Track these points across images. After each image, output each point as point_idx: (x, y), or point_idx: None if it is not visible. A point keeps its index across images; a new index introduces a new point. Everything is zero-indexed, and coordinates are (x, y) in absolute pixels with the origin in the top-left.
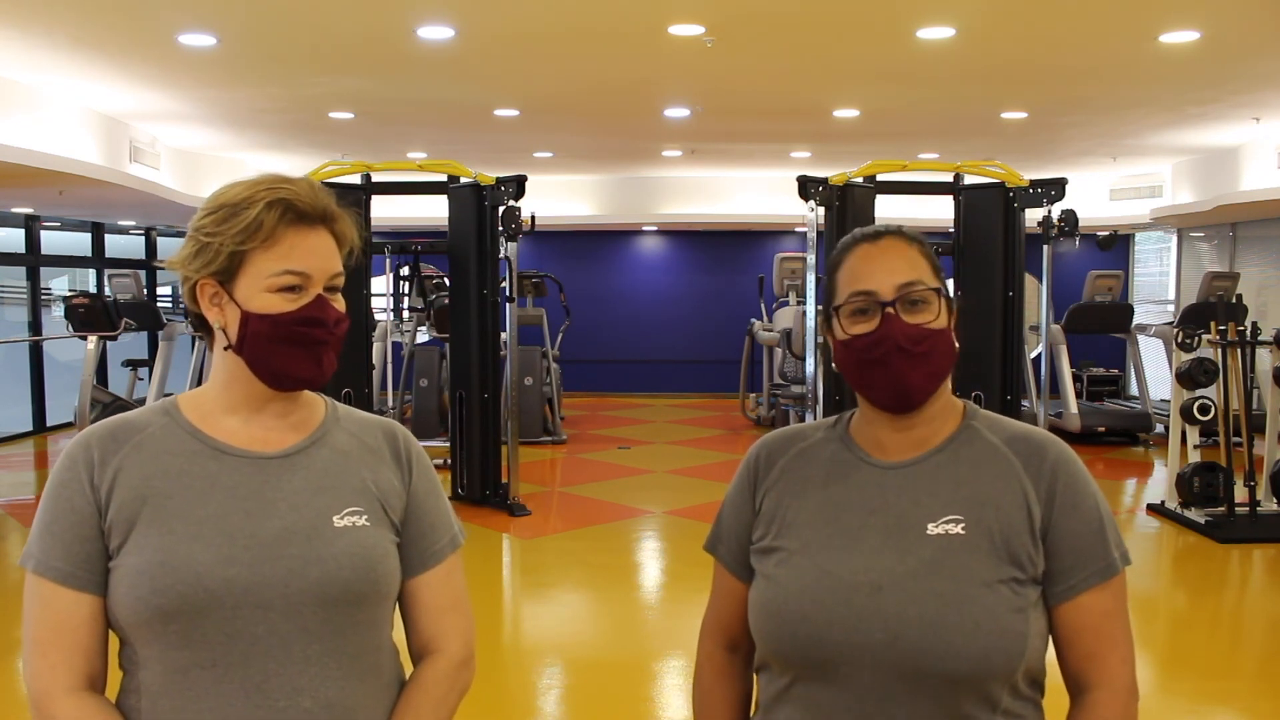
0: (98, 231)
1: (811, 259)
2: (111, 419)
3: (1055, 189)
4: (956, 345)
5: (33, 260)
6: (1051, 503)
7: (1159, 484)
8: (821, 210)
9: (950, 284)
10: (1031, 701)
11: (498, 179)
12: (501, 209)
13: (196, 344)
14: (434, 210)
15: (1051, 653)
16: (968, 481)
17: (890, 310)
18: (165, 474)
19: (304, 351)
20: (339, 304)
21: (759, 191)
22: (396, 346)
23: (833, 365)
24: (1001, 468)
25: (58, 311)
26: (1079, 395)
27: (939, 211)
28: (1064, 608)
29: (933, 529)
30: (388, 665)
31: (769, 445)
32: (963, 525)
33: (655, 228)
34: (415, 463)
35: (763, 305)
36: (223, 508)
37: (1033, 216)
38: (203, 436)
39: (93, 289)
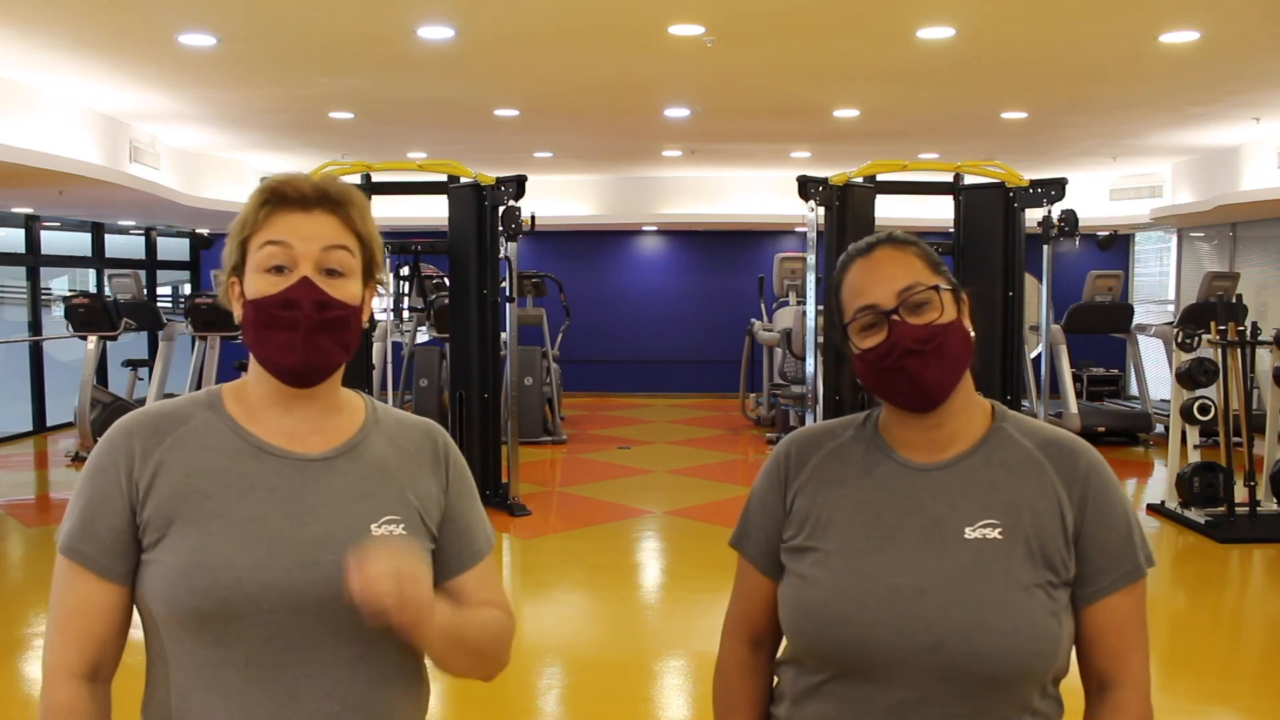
0: (98, 231)
1: (811, 259)
2: (156, 406)
3: (1055, 189)
4: (972, 334)
5: (33, 260)
6: (1084, 508)
7: (1159, 484)
8: (821, 210)
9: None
10: (1056, 700)
11: (498, 179)
12: (501, 209)
13: (196, 344)
14: (434, 210)
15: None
16: (1002, 486)
17: (895, 318)
18: (206, 472)
19: (284, 336)
20: (340, 290)
21: (759, 191)
22: (396, 346)
23: (857, 380)
24: (1035, 472)
25: (58, 311)
26: (1079, 395)
27: (939, 211)
28: (1092, 609)
29: (970, 533)
30: (416, 670)
31: (799, 443)
32: (999, 530)
33: (655, 228)
34: (453, 468)
35: (763, 305)
36: (262, 510)
37: (1033, 216)
38: (245, 434)
39: (93, 289)
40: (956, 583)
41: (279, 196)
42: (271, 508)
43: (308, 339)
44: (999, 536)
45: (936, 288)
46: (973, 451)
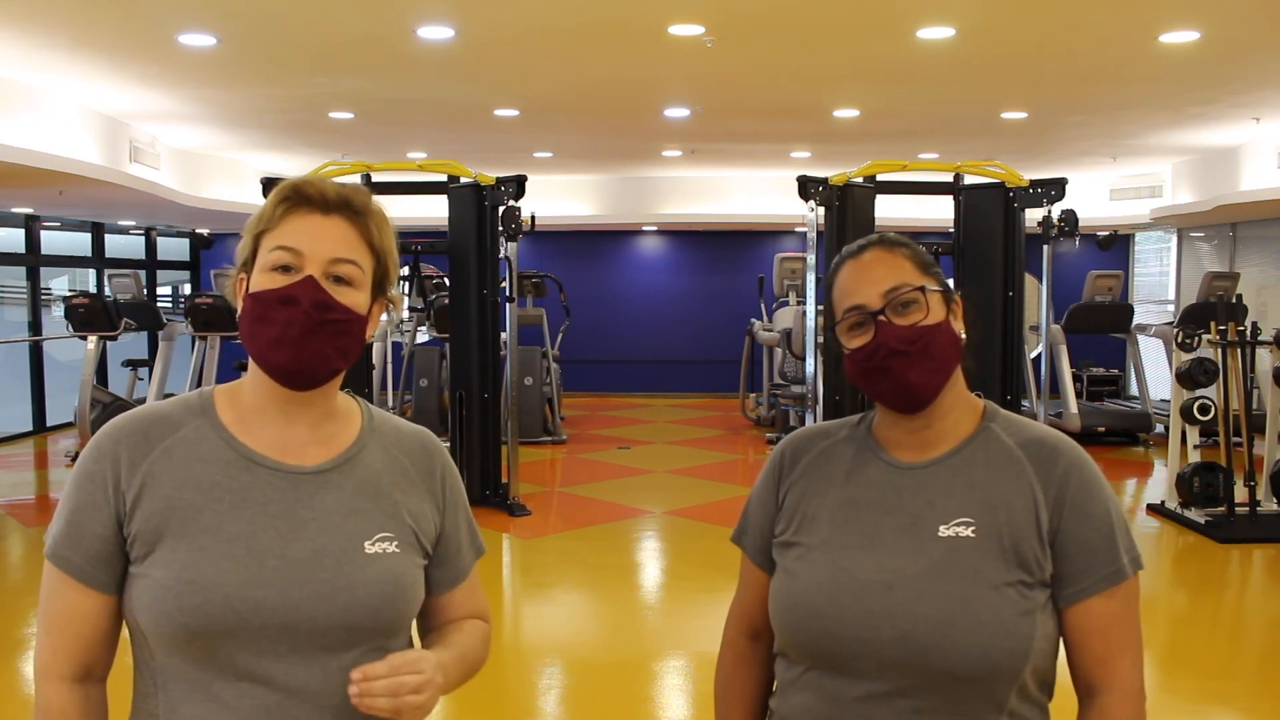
0: (98, 231)
1: (811, 259)
2: (145, 411)
3: (1055, 189)
4: (961, 335)
5: (33, 260)
6: (1060, 508)
7: (1159, 484)
8: (821, 210)
9: (950, 284)
10: (1039, 705)
11: (498, 179)
12: (501, 209)
13: (196, 344)
14: (434, 210)
15: (1062, 656)
16: (981, 484)
17: (881, 318)
18: (197, 485)
19: (276, 332)
20: (347, 297)
21: (759, 191)
22: (396, 346)
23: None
24: (1014, 471)
25: (58, 311)
26: (1079, 395)
27: (939, 211)
28: (1072, 611)
29: (944, 531)
30: None
31: (795, 442)
32: (973, 528)
33: (655, 228)
34: (449, 485)
35: (763, 305)
36: (253, 525)
37: (1033, 216)
38: (237, 445)
39: (93, 289)
40: (925, 579)
41: (299, 196)
42: (263, 523)
43: (303, 338)
44: (971, 535)
45: (923, 289)
46: (957, 451)
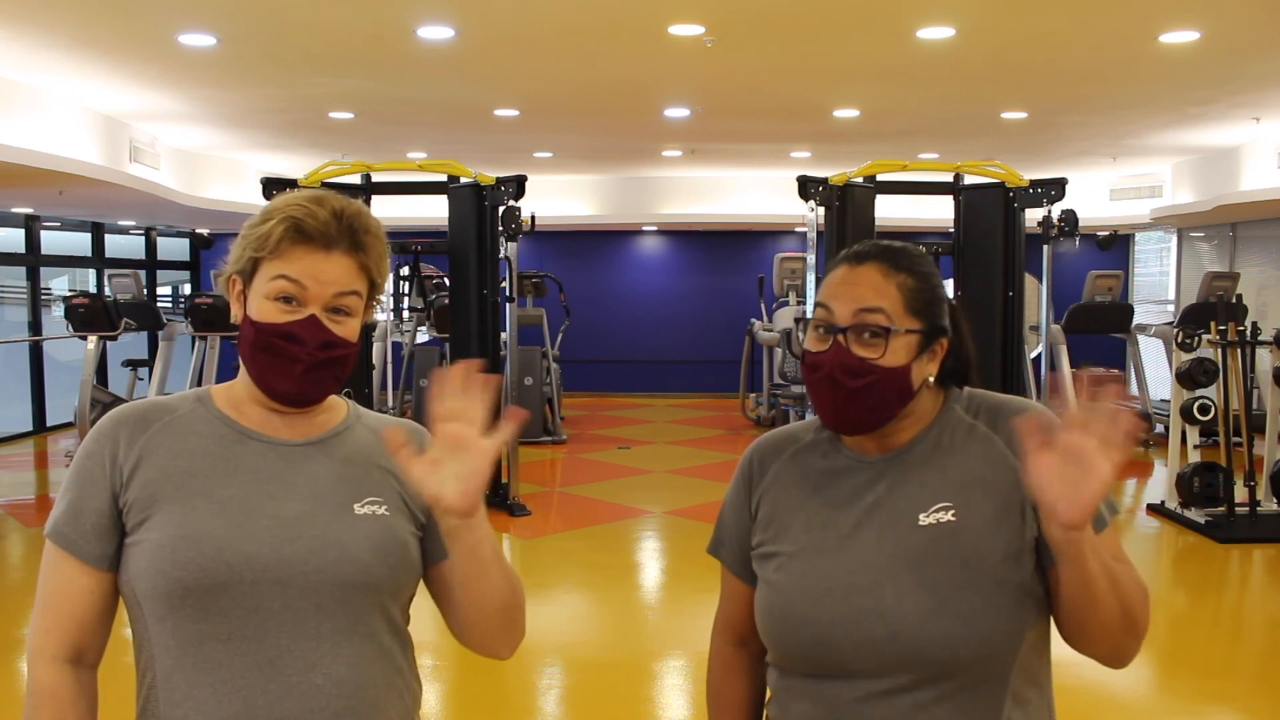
0: (98, 231)
1: (811, 259)
2: (145, 400)
3: (1055, 189)
4: (915, 385)
5: (33, 260)
6: None
7: (1159, 484)
8: (821, 210)
9: (946, 324)
10: (1042, 685)
11: (498, 179)
12: (501, 209)
13: (196, 344)
14: (434, 210)
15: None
16: (953, 467)
17: (840, 338)
18: (191, 454)
19: (281, 364)
20: (344, 329)
21: (759, 191)
22: (396, 346)
23: None
24: (982, 445)
25: (58, 311)
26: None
27: (939, 211)
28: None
29: (924, 519)
30: (401, 654)
31: (762, 449)
32: (953, 511)
33: (655, 228)
34: None
35: (763, 305)
36: (246, 488)
37: (1033, 216)
38: (230, 422)
39: (93, 289)
40: (912, 570)
41: (301, 230)
42: (255, 487)
43: (306, 372)
44: (953, 519)
45: (889, 330)
46: (921, 438)
